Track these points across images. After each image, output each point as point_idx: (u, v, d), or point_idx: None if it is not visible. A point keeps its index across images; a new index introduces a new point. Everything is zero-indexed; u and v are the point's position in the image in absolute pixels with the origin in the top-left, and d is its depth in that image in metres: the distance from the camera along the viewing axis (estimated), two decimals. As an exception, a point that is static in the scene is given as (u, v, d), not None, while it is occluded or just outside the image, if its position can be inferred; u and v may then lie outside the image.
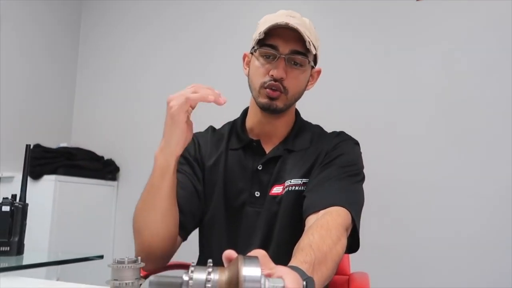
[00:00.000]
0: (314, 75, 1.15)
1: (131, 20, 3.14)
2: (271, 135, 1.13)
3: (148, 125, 2.81)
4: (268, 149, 1.12)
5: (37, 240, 2.35)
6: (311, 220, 0.90)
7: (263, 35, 1.02)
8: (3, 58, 2.71)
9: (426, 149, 2.16)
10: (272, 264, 0.57)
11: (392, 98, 2.27)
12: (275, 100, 1.04)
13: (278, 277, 0.53)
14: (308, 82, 1.12)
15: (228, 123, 1.21)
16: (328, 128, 1.21)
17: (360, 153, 1.13)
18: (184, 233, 1.04)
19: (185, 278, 0.51)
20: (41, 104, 2.99)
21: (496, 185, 1.99)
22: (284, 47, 1.03)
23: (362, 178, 1.07)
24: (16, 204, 1.12)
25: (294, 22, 1.00)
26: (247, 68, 1.13)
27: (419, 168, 2.15)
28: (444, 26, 2.21)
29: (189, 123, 0.95)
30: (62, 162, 2.63)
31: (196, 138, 1.17)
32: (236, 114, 1.22)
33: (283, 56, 1.02)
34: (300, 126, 1.16)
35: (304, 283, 0.58)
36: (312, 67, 1.11)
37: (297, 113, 1.18)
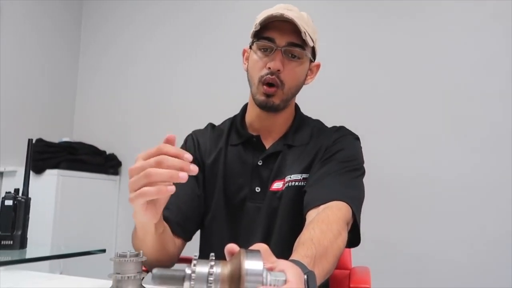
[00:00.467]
0: (313, 69, 1.14)
1: (134, 15, 3.13)
2: (271, 130, 1.13)
3: (150, 119, 2.82)
4: (268, 144, 1.12)
5: (39, 234, 2.37)
6: (312, 215, 0.90)
7: (259, 27, 1.02)
8: (4, 53, 2.71)
9: (426, 144, 2.16)
10: (273, 258, 0.57)
11: (393, 92, 2.27)
12: (272, 97, 1.04)
13: (280, 271, 0.54)
14: (306, 75, 1.11)
15: (229, 119, 1.21)
16: (328, 123, 1.21)
17: (361, 147, 1.12)
18: (186, 236, 1.05)
19: (188, 271, 0.51)
20: (43, 99, 2.99)
21: (497, 179, 1.99)
22: (280, 39, 1.03)
23: (362, 173, 1.06)
24: (19, 198, 1.12)
25: (290, 14, 1.00)
26: (246, 63, 1.13)
27: (420, 162, 2.15)
28: (445, 20, 2.20)
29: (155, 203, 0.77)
30: (64, 157, 2.64)
31: (195, 137, 1.17)
32: (235, 110, 1.22)
33: (280, 48, 1.02)
34: (300, 121, 1.16)
35: (305, 276, 0.58)
36: (311, 61, 1.11)
37: (297, 107, 1.18)
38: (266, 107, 1.05)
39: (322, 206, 0.91)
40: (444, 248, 2.05)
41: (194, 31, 2.89)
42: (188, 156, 0.70)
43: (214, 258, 0.52)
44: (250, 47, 1.09)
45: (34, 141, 1.23)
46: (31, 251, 1.12)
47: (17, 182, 1.16)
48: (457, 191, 2.06)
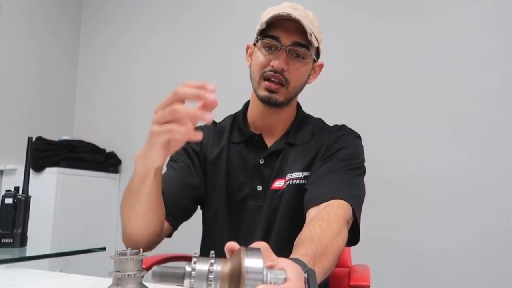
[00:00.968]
0: (316, 69, 1.14)
1: (134, 13, 3.13)
2: (273, 128, 1.12)
3: (150, 117, 2.81)
4: (269, 143, 1.12)
5: (39, 232, 2.36)
6: (312, 213, 0.90)
7: (265, 25, 1.02)
8: (4, 51, 2.71)
9: (427, 142, 2.16)
10: (274, 256, 0.57)
11: (394, 90, 2.27)
12: (275, 93, 1.04)
13: (280, 269, 0.54)
14: (309, 75, 1.11)
15: (230, 116, 1.21)
16: (330, 122, 1.21)
17: (362, 146, 1.12)
18: (172, 221, 1.02)
19: (188, 269, 0.51)
20: (43, 97, 2.99)
21: (498, 178, 1.99)
22: (286, 38, 1.02)
23: (363, 172, 1.06)
24: (19, 197, 1.12)
25: (296, 14, 1.00)
26: (250, 60, 1.12)
27: (420, 160, 2.16)
28: (447, 20, 2.20)
29: (170, 145, 0.81)
30: (64, 155, 2.64)
31: (188, 147, 1.17)
32: (236, 108, 1.22)
33: (285, 47, 1.02)
34: (302, 119, 1.16)
35: (306, 275, 0.58)
36: (314, 61, 1.11)
37: (298, 106, 1.18)
38: (269, 102, 1.05)
39: (322, 204, 0.91)
40: (444, 246, 2.05)
41: (194, 30, 2.88)
42: (212, 87, 0.75)
43: (214, 256, 0.52)
44: (254, 44, 1.09)
45: (34, 139, 1.23)
46: (31, 249, 1.12)
47: (17, 180, 1.16)
48: (458, 189, 2.06)
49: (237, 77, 2.19)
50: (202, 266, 0.51)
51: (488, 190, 2.01)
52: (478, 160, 2.05)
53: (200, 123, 0.79)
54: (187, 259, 1.29)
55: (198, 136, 0.74)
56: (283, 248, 0.71)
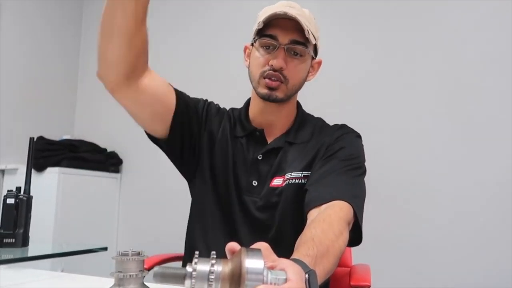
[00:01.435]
0: (314, 66, 1.15)
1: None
2: (273, 125, 1.13)
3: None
4: (270, 139, 1.12)
5: (41, 232, 2.36)
6: (313, 214, 0.90)
7: (262, 25, 1.02)
8: (5, 50, 2.71)
9: (427, 142, 2.16)
10: (274, 256, 0.58)
11: (394, 90, 2.27)
12: (275, 91, 1.04)
13: (281, 269, 0.54)
14: (308, 72, 1.12)
15: (232, 109, 1.21)
16: (330, 121, 1.21)
17: (362, 146, 1.13)
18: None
19: (189, 269, 0.51)
20: (44, 96, 2.99)
21: (498, 177, 1.99)
22: (283, 37, 1.03)
23: (363, 171, 1.07)
24: (20, 197, 1.13)
25: (293, 12, 1.00)
26: (248, 60, 1.13)
27: (421, 160, 2.16)
28: (447, 20, 2.20)
29: None
30: (65, 155, 2.64)
31: (221, 108, 1.19)
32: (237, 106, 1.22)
33: (283, 46, 1.03)
34: (302, 118, 1.16)
35: (307, 275, 0.58)
36: (313, 58, 1.11)
37: (298, 105, 1.18)
38: (270, 99, 1.05)
39: (323, 206, 0.91)
40: (444, 246, 2.05)
41: (195, 29, 2.88)
42: None
43: (215, 256, 0.53)
44: (252, 44, 1.10)
45: (35, 139, 1.23)
46: (33, 249, 1.13)
47: (18, 180, 1.16)
48: (459, 189, 2.06)
49: (236, 78, 2.20)
50: (203, 266, 0.51)
51: (490, 191, 2.00)
52: (481, 161, 2.04)
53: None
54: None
55: None
56: (282, 247, 0.71)
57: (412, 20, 2.28)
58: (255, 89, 1.08)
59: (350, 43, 2.40)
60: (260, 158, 1.09)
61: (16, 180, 2.53)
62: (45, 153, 2.60)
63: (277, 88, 1.04)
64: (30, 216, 1.15)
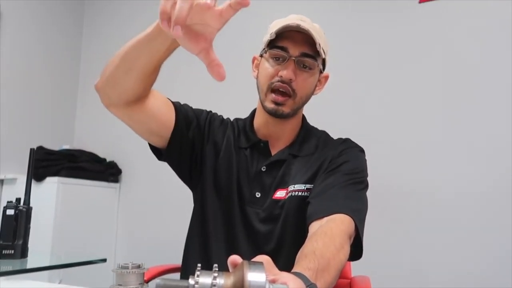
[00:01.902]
0: (321, 80, 1.16)
1: (136, 18, 3.13)
2: (278, 138, 1.14)
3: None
4: (274, 151, 1.13)
5: (39, 242, 2.36)
6: (315, 227, 0.90)
7: (275, 35, 1.04)
8: (4, 60, 2.72)
9: (428, 153, 2.16)
10: (276, 270, 0.58)
11: (394, 101, 2.27)
12: (282, 106, 1.05)
13: (283, 283, 0.54)
14: (315, 86, 1.13)
15: (236, 119, 1.22)
16: (331, 133, 1.21)
17: (365, 160, 1.13)
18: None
19: (191, 282, 0.51)
20: (43, 106, 2.99)
21: (497, 187, 1.99)
22: (294, 49, 1.04)
23: (366, 186, 1.07)
24: (20, 208, 1.12)
25: (305, 25, 1.02)
26: (256, 71, 1.14)
27: (421, 171, 2.15)
28: (446, 26, 2.20)
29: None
30: (64, 164, 2.64)
31: (223, 119, 1.21)
32: (239, 116, 1.23)
33: (293, 58, 1.04)
34: (306, 131, 1.17)
35: (308, 289, 0.58)
36: (321, 72, 1.12)
37: (303, 118, 1.19)
38: (276, 114, 1.06)
39: (325, 219, 0.91)
40: (445, 258, 2.04)
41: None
42: None
43: (217, 269, 0.52)
44: (261, 55, 1.11)
45: (35, 149, 1.24)
46: (32, 261, 1.12)
47: (17, 190, 1.16)
48: (459, 200, 2.06)
49: (239, 86, 2.21)
50: (205, 279, 0.51)
51: (491, 202, 1.99)
52: (482, 171, 2.03)
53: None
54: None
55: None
56: (284, 259, 0.71)
57: (411, 27, 2.28)
58: (262, 102, 1.09)
59: (347, 52, 2.41)
60: (263, 170, 1.10)
61: (15, 190, 2.53)
62: (44, 163, 2.59)
63: (284, 103, 1.05)
64: (30, 227, 1.15)
